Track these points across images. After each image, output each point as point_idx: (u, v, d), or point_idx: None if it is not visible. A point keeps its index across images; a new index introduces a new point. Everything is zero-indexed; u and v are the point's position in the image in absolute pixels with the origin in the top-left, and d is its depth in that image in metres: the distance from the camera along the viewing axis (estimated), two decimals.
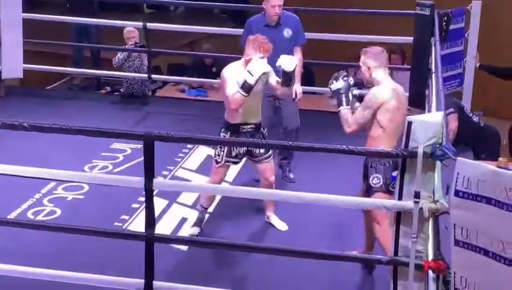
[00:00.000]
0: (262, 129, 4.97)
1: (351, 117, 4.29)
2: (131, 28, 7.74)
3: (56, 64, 8.65)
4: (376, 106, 4.21)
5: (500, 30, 8.85)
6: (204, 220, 5.13)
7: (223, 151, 4.88)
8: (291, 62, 4.72)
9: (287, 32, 5.81)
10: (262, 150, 4.90)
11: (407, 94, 6.35)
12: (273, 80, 4.87)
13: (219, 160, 4.92)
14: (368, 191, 4.29)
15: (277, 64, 4.73)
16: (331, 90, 4.43)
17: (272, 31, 5.69)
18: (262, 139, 4.88)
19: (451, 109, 6.00)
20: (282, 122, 5.90)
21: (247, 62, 4.72)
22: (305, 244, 4.38)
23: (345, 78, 4.38)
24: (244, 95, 4.60)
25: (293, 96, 5.63)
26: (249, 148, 4.90)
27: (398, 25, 7.10)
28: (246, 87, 4.59)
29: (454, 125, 6.04)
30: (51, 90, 8.88)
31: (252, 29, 5.75)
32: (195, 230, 5.08)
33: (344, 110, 4.33)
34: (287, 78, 4.74)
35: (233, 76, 4.69)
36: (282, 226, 5.16)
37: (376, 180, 4.25)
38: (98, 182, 4.37)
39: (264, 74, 4.65)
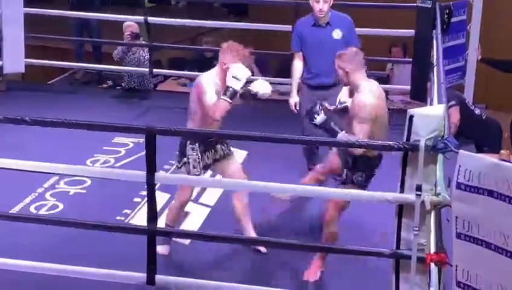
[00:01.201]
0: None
1: (353, 138, 4.04)
2: (129, 22, 7.72)
3: (58, 58, 8.66)
4: (372, 115, 4.05)
5: (501, 23, 8.84)
6: (172, 238, 4.72)
7: (188, 162, 4.53)
8: (267, 88, 4.48)
9: (337, 34, 5.43)
10: (226, 150, 4.63)
11: (409, 87, 6.43)
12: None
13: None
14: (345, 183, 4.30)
15: (251, 87, 4.48)
16: (316, 125, 4.26)
17: (320, 31, 5.44)
18: (227, 145, 4.63)
19: (453, 102, 6.01)
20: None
21: (224, 71, 4.43)
22: (306, 238, 4.40)
23: (321, 108, 4.23)
24: (229, 102, 4.31)
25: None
26: (216, 157, 4.60)
27: (399, 17, 7.09)
28: (232, 93, 4.30)
29: (456, 118, 6.04)
30: (53, 84, 8.86)
31: (300, 29, 5.52)
32: (165, 249, 4.62)
33: (341, 135, 4.13)
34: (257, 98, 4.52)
35: (212, 86, 4.42)
36: (262, 248, 4.71)
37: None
38: (100, 176, 4.38)
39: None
